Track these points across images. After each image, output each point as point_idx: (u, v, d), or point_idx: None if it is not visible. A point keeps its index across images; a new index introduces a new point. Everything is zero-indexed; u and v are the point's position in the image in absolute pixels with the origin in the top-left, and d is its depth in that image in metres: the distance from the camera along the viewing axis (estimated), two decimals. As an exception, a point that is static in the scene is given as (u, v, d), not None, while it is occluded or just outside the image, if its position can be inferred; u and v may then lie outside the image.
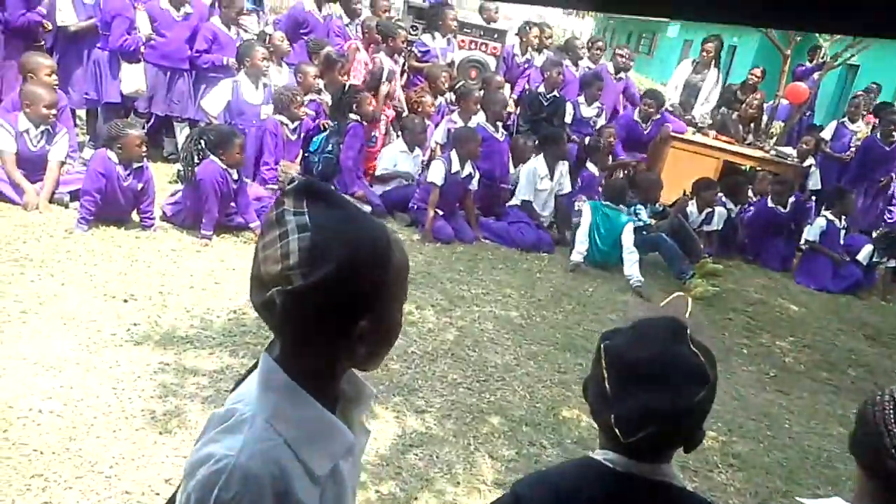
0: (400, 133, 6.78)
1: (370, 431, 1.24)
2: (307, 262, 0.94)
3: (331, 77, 6.61)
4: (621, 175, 7.40)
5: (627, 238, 5.98)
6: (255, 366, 1.10)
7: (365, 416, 1.22)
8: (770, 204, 7.35)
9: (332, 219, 0.97)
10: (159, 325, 3.77)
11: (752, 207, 7.55)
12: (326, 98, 6.60)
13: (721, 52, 8.83)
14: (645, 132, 7.83)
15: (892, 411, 1.26)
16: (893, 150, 7.97)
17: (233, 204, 5.10)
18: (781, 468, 3.67)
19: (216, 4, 6.84)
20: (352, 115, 6.30)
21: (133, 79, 6.05)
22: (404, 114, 7.15)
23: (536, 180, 6.52)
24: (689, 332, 1.23)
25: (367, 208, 6.10)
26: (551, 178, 6.60)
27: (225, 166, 4.90)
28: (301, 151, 6.24)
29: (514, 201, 6.62)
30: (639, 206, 6.51)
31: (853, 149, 8.24)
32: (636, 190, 6.77)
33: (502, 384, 3.88)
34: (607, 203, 6.20)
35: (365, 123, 6.37)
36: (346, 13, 7.73)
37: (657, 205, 6.91)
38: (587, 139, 7.37)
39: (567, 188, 6.72)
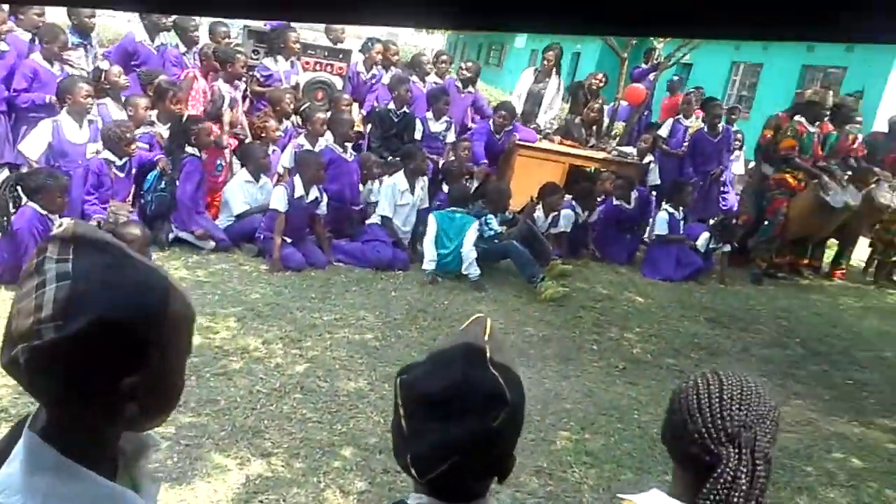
0: (241, 162, 6.62)
1: (161, 479, 1.16)
2: (62, 313, 0.85)
3: (163, 108, 6.37)
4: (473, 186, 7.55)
5: (469, 237, 6.18)
6: (8, 443, 0.99)
7: (151, 466, 1.14)
8: (615, 202, 7.70)
9: (98, 266, 0.89)
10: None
11: (599, 209, 7.86)
12: (161, 130, 6.35)
13: (562, 60, 9.15)
14: (499, 143, 8.02)
15: (694, 397, 1.31)
16: (720, 141, 8.54)
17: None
18: (632, 459, 3.81)
19: (36, 40, 6.45)
20: (189, 149, 6.07)
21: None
22: (247, 140, 7.00)
23: (398, 196, 6.54)
24: (488, 354, 1.17)
25: (211, 244, 5.94)
26: (412, 193, 6.63)
27: (45, 212, 4.62)
28: (134, 189, 5.96)
29: (374, 218, 6.60)
30: (489, 216, 6.63)
31: (686, 143, 8.75)
32: (486, 200, 6.91)
33: (355, 412, 3.84)
34: (452, 209, 6.34)
35: (204, 155, 6.17)
36: (183, 42, 7.48)
37: (507, 213, 7.06)
38: (441, 161, 7.48)
39: (426, 203, 6.82)
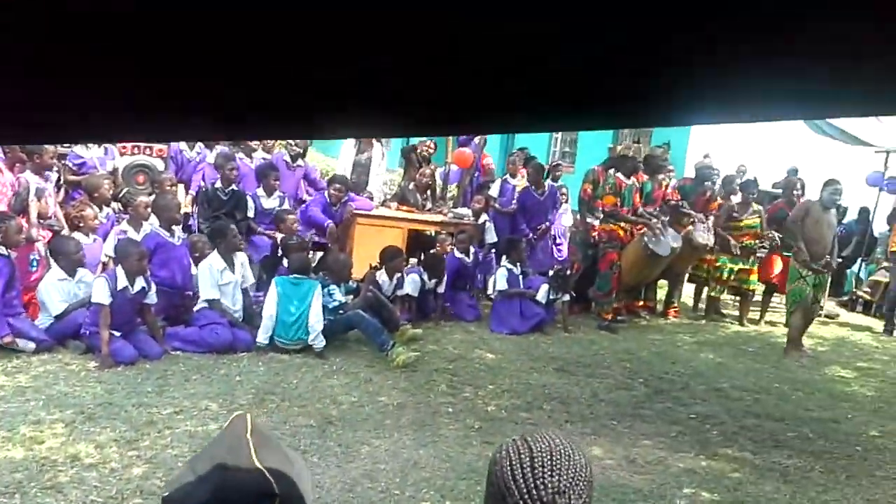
0: (53, 258, 6.12)
1: None
2: None
3: (-31, 205, 5.86)
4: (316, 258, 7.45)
5: (315, 304, 6.13)
6: None
7: None
8: (457, 254, 7.85)
9: None
10: None
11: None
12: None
13: None
14: (337, 214, 7.97)
15: (508, 469, 1.26)
16: (546, 198, 8.99)
17: None
18: (494, 521, 3.74)
19: None
20: None
21: None
22: (63, 232, 6.53)
23: (217, 276, 6.27)
24: (251, 450, 1.12)
25: (31, 345, 5.44)
26: (232, 271, 6.38)
27: None
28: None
29: (202, 303, 6.29)
30: (331, 287, 6.51)
31: (514, 201, 9.11)
32: (327, 272, 6.80)
33: (201, 511, 3.55)
34: (293, 275, 6.25)
35: (13, 254, 5.66)
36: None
37: (350, 282, 6.98)
38: (279, 237, 7.33)
39: (250, 280, 6.63)
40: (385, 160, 9.28)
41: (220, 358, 5.79)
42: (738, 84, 0.79)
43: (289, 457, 1.19)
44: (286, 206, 7.84)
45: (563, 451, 1.28)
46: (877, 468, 4.99)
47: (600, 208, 8.22)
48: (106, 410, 4.59)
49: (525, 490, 1.23)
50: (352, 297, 6.84)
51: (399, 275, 7.24)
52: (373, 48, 0.64)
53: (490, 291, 8.02)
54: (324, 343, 6.11)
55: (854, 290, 11.50)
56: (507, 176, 9.45)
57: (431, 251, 7.99)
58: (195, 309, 6.23)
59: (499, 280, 7.71)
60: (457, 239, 8.02)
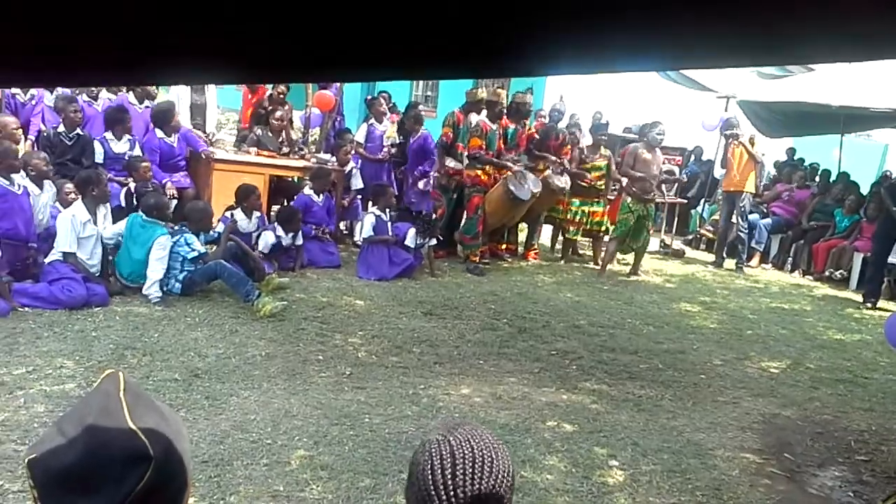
0: None
1: None
2: None
3: None
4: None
5: (155, 252, 6.00)
6: None
7: None
8: (306, 192, 7.88)
9: None
10: None
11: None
12: None
13: None
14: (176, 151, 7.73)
15: (429, 473, 1.27)
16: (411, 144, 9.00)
17: None
18: (367, 464, 3.82)
19: None
20: None
21: None
22: None
23: (79, 228, 5.92)
24: (125, 410, 1.06)
25: None
26: (95, 223, 6.05)
27: None
28: None
29: (54, 255, 5.91)
30: (189, 237, 6.27)
31: (386, 148, 9.08)
32: (187, 222, 6.54)
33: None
34: (147, 218, 6.12)
35: None
36: None
37: (211, 232, 6.75)
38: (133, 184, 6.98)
39: (112, 231, 6.28)
40: (215, 101, 9.06)
41: (73, 314, 5.49)
42: (592, 36, 0.81)
43: (165, 416, 1.12)
44: (137, 150, 7.46)
45: (485, 455, 1.29)
46: (719, 394, 5.46)
47: (462, 152, 8.33)
48: (-53, 374, 4.28)
49: (444, 496, 1.25)
50: (213, 246, 6.63)
51: (258, 214, 7.08)
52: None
53: (357, 238, 7.99)
54: (159, 294, 5.99)
55: (698, 228, 12.32)
56: (373, 120, 9.35)
57: (285, 206, 7.84)
58: (46, 261, 5.86)
59: (366, 226, 7.69)
60: (311, 178, 7.95)
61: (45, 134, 7.10)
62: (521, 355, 5.79)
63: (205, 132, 8.72)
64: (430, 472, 1.27)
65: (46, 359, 4.67)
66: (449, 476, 1.26)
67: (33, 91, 7.59)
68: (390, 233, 7.72)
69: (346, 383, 4.86)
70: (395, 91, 12.48)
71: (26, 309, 5.49)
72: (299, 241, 7.38)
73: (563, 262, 9.42)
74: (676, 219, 11.48)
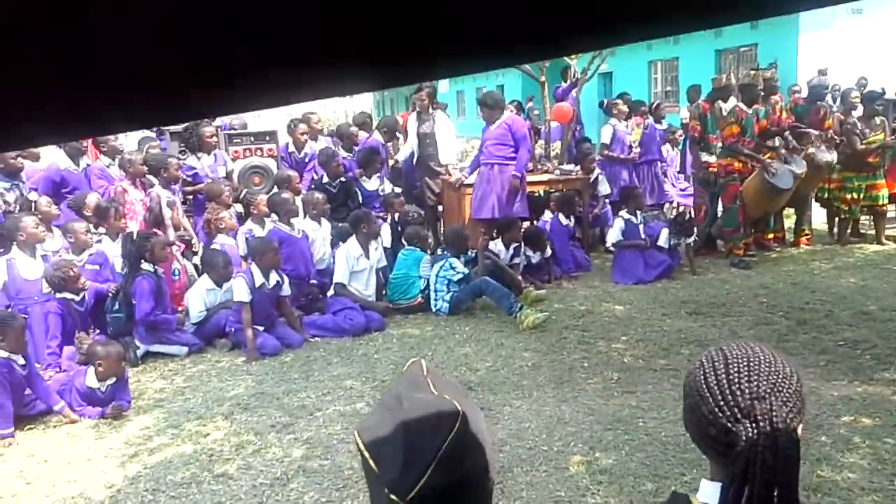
0: (203, 270, 6.45)
1: None
2: None
3: (109, 226, 6.28)
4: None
5: (422, 270, 6.66)
6: None
7: None
8: (562, 220, 7.97)
9: None
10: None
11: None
12: (108, 246, 6.22)
13: (436, 96, 9.14)
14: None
15: (702, 378, 1.23)
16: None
17: (28, 391, 4.65)
18: (647, 468, 3.73)
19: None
20: (144, 265, 5.86)
21: None
22: (193, 240, 6.93)
23: (352, 262, 6.49)
24: (430, 385, 1.21)
25: (184, 350, 5.81)
26: (367, 257, 6.59)
27: (6, 354, 4.47)
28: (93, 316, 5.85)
29: (334, 289, 6.53)
30: (453, 260, 6.60)
31: (631, 147, 8.96)
32: (446, 245, 6.91)
33: (362, 485, 3.70)
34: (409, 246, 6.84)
35: (160, 269, 6.01)
36: (107, 155, 7.47)
37: (469, 253, 7.04)
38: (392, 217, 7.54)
39: (384, 261, 6.81)
40: (450, 128, 8.73)
41: (356, 339, 6.00)
42: None
43: (464, 392, 1.29)
44: (387, 185, 8.10)
45: (762, 357, 1.22)
46: None
47: (717, 143, 7.92)
48: (259, 400, 4.85)
49: (720, 397, 1.19)
50: (471, 266, 6.91)
51: (516, 244, 7.26)
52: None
53: (608, 244, 7.91)
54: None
55: None
56: (615, 122, 9.26)
57: (530, 227, 7.98)
58: (328, 295, 6.48)
59: (614, 232, 7.60)
60: (557, 203, 8.01)
61: (312, 185, 7.88)
62: (804, 348, 5.34)
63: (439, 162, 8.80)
64: (702, 376, 1.22)
65: (337, 381, 5.13)
66: (723, 377, 1.20)
67: (307, 150, 8.48)
68: (642, 235, 7.53)
69: (614, 388, 4.80)
70: (632, 89, 12.29)
71: (316, 339, 6.09)
72: (548, 254, 7.49)
73: (839, 245, 8.56)
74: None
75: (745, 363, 1.21)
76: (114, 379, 4.84)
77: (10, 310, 5.18)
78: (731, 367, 1.21)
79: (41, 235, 5.71)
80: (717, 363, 1.23)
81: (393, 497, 1.13)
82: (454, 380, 1.33)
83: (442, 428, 1.14)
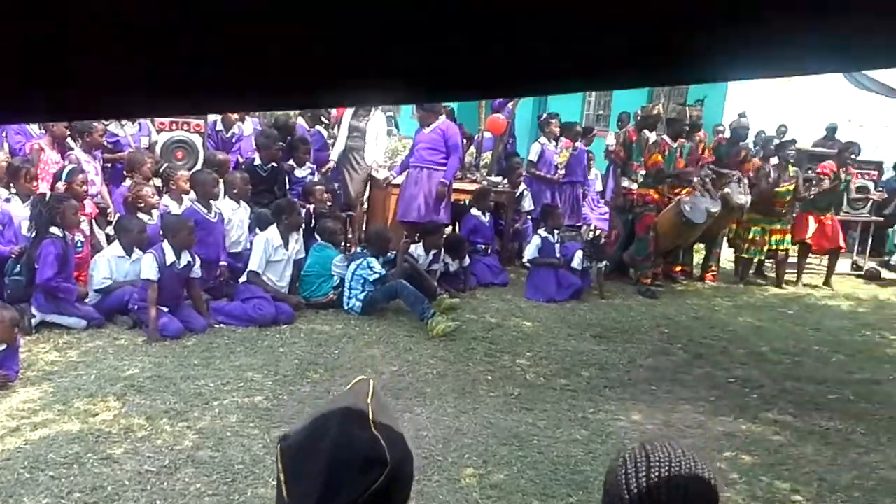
0: (115, 237, 6.24)
1: None
2: None
3: (19, 186, 6.00)
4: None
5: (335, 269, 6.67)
6: None
7: None
8: (474, 212, 8.13)
9: None
10: None
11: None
12: (16, 207, 5.95)
13: None
14: None
15: (623, 479, 1.25)
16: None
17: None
18: (535, 486, 3.83)
19: None
20: (53, 230, 5.62)
21: None
22: (109, 209, 6.70)
23: (270, 251, 6.39)
24: (370, 415, 1.14)
25: (83, 323, 5.61)
26: (286, 248, 6.49)
27: None
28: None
29: (246, 276, 6.42)
30: (371, 260, 6.58)
31: (555, 167, 9.13)
32: (367, 245, 6.90)
33: (252, 480, 3.68)
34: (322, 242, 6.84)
35: (70, 235, 5.77)
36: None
37: (388, 254, 7.04)
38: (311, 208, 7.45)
39: (302, 254, 6.74)
40: (385, 126, 9.10)
41: (263, 330, 5.91)
42: (770, 37, 0.76)
43: (403, 431, 1.20)
44: (317, 175, 8.03)
45: (682, 462, 1.23)
46: (920, 429, 4.98)
47: (640, 171, 8.15)
48: (155, 383, 4.74)
49: (637, 498, 1.20)
50: (388, 267, 6.91)
51: (436, 251, 7.29)
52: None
53: (525, 259, 8.05)
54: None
55: (895, 249, 11.30)
56: (544, 139, 9.41)
57: (451, 234, 8.05)
58: (240, 281, 6.36)
59: (531, 248, 7.74)
60: (475, 199, 8.14)
61: (242, 164, 7.71)
62: (697, 382, 5.57)
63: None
64: (624, 480, 1.23)
65: (238, 372, 5.06)
66: (644, 483, 1.21)
67: (235, 129, 8.31)
68: (558, 255, 7.69)
69: (514, 404, 4.89)
70: (564, 110, 12.48)
71: (221, 326, 5.97)
72: (466, 263, 7.56)
73: (742, 284, 8.95)
74: (871, 239, 10.60)
75: (667, 467, 1.23)
76: (4, 346, 4.63)
77: None
78: (652, 471, 1.23)
79: None
80: (639, 465, 1.24)
81: None
82: (396, 413, 1.29)
83: (367, 476, 1.10)
